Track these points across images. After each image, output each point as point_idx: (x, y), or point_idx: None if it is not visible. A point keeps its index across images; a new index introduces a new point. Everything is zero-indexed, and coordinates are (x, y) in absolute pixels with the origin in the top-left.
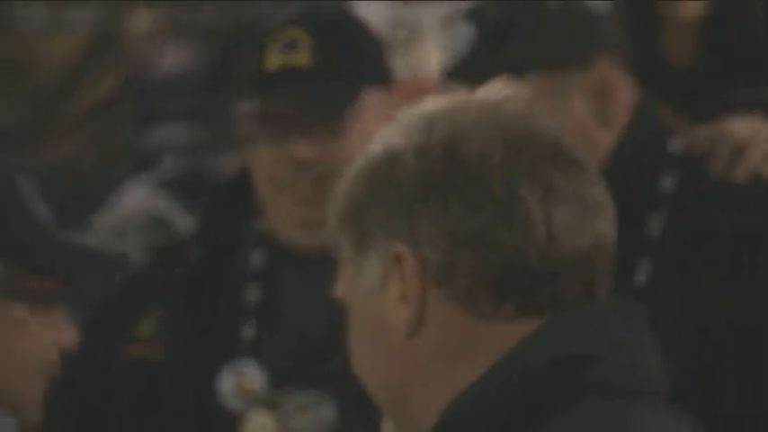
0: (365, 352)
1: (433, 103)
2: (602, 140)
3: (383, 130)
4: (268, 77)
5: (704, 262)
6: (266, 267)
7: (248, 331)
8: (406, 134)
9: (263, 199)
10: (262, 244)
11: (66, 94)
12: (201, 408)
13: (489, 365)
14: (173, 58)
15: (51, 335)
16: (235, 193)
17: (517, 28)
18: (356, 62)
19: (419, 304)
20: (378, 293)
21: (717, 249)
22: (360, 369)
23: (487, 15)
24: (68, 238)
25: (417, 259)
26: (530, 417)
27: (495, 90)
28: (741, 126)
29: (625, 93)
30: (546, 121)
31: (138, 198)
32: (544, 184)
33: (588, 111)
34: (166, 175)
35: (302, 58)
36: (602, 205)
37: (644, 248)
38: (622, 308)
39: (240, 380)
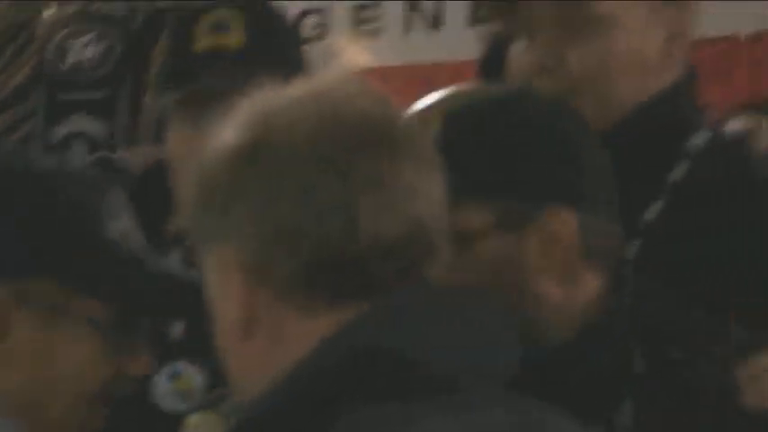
0: (222, 341)
1: (267, 96)
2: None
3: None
4: (196, 59)
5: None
6: (187, 267)
7: (178, 332)
8: (230, 129)
9: (180, 194)
10: (180, 244)
11: None
12: (137, 410)
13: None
14: (83, 48)
15: (111, 362)
16: (150, 188)
17: None
18: (284, 47)
19: (247, 307)
20: (220, 291)
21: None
22: (221, 353)
23: None
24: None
25: (237, 261)
26: (310, 421)
27: (333, 77)
28: None
29: (689, 37)
30: (377, 105)
31: None
32: (348, 172)
33: (657, 40)
34: (75, 166)
35: (235, 38)
36: (420, 189)
37: (659, 195)
38: (453, 294)
39: (176, 381)
